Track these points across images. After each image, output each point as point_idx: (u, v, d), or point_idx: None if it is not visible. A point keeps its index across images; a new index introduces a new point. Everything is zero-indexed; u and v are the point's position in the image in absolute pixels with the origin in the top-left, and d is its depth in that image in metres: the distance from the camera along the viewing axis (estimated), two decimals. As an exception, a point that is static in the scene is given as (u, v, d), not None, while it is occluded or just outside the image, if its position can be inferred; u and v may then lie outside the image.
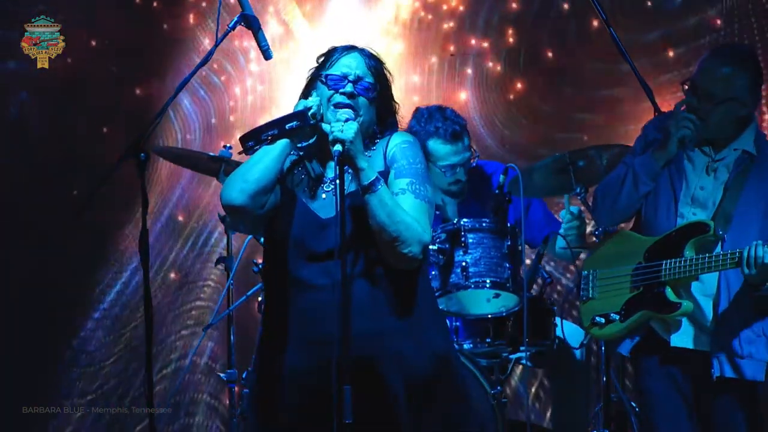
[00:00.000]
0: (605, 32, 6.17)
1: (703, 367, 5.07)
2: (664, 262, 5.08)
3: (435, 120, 6.14)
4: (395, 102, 4.55)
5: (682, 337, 5.10)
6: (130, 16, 7.79)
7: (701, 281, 5.09)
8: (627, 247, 5.23)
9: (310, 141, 4.48)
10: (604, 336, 5.28)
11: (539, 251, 6.14)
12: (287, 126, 4.36)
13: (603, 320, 5.21)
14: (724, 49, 5.25)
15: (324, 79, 4.45)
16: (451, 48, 7.86)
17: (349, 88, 4.41)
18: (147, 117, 7.38)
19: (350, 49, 4.50)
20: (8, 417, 7.51)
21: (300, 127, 4.36)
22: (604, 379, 5.96)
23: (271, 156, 4.36)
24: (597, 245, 5.45)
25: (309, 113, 4.37)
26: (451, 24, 7.84)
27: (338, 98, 4.40)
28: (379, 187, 4.26)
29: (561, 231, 6.00)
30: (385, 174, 4.36)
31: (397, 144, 4.41)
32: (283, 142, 4.37)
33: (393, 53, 7.81)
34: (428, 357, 4.36)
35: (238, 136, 4.45)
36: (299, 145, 4.47)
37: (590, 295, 5.30)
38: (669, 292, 5.08)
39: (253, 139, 4.40)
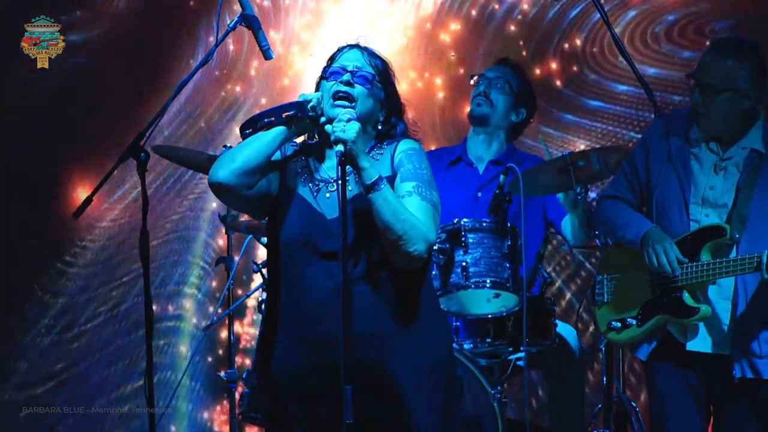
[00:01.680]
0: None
1: (719, 371, 5.03)
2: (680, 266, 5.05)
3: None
4: (402, 102, 4.55)
5: (699, 341, 5.05)
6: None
7: (718, 284, 5.04)
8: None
9: (315, 141, 4.50)
10: (621, 340, 5.22)
11: (539, 251, 6.14)
12: (284, 114, 4.39)
13: (619, 324, 5.17)
14: (724, 42, 5.19)
15: (325, 75, 4.47)
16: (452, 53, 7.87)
17: (346, 77, 4.43)
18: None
19: (352, 46, 4.54)
20: (8, 417, 7.53)
21: (297, 116, 4.39)
22: (605, 379, 5.96)
23: (262, 140, 4.39)
24: (605, 248, 5.40)
25: (308, 105, 4.39)
26: (458, 27, 7.86)
27: (336, 87, 4.42)
28: (382, 186, 4.26)
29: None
30: (391, 179, 4.37)
31: (404, 150, 4.43)
32: (277, 129, 4.40)
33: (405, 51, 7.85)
34: (429, 359, 4.36)
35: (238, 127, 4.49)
36: (309, 142, 4.49)
37: (605, 300, 5.25)
38: (687, 297, 5.03)
39: (251, 127, 4.43)
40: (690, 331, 5.05)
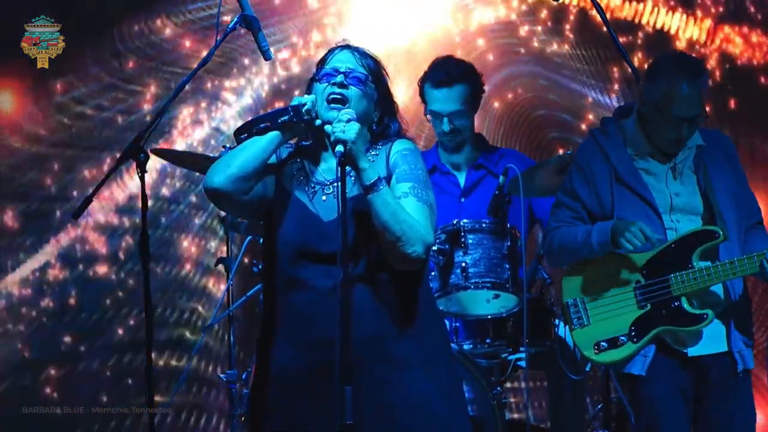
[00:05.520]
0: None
1: (715, 368, 5.01)
2: (672, 276, 4.98)
3: (435, 65, 6.29)
4: (394, 102, 4.54)
5: (701, 345, 5.01)
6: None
7: None
8: (614, 268, 5.06)
9: (308, 142, 4.49)
10: (614, 360, 5.04)
11: (538, 251, 6.14)
12: (279, 120, 4.38)
13: (607, 345, 5.03)
14: (680, 66, 5.03)
15: (318, 77, 4.46)
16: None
17: (339, 78, 4.41)
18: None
19: (343, 47, 4.52)
20: (8, 417, 7.53)
21: (292, 121, 4.38)
22: (604, 380, 5.95)
23: (258, 145, 4.38)
24: (572, 271, 5.19)
25: (303, 109, 4.37)
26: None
27: (330, 89, 4.40)
28: (382, 187, 4.26)
29: None
30: (387, 180, 4.35)
31: (399, 151, 4.42)
32: (272, 134, 4.38)
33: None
34: (428, 360, 4.35)
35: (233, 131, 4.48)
36: (303, 144, 4.49)
37: (585, 322, 5.08)
38: (687, 305, 4.96)
39: (246, 132, 4.42)
40: (692, 337, 5.01)
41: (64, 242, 7.76)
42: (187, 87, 4.84)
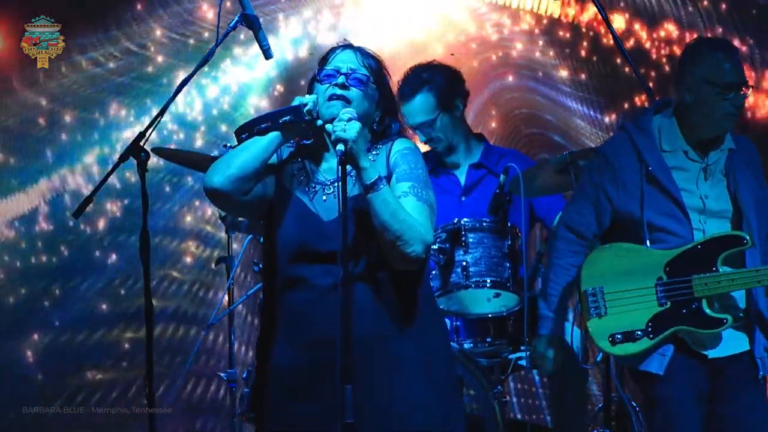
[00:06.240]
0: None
1: (733, 368, 4.99)
2: (694, 277, 4.94)
3: (402, 79, 6.25)
4: (395, 102, 4.54)
5: (721, 347, 4.98)
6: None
7: None
8: (636, 262, 5.02)
9: (309, 141, 4.49)
10: (627, 353, 4.99)
11: (539, 251, 6.14)
12: (280, 120, 4.38)
13: (622, 337, 4.98)
14: (716, 42, 5.14)
15: (319, 78, 4.46)
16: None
17: (341, 79, 4.40)
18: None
19: (345, 47, 4.52)
20: (8, 417, 7.53)
21: (293, 122, 4.37)
22: (604, 379, 5.95)
23: (258, 145, 4.37)
24: (593, 260, 5.14)
25: (304, 109, 4.37)
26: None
27: (331, 90, 4.40)
28: (382, 186, 4.25)
29: None
30: (387, 179, 4.34)
31: (399, 150, 4.41)
32: (273, 134, 4.37)
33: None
34: (428, 361, 4.35)
35: (234, 130, 4.47)
36: (304, 142, 4.49)
37: (602, 313, 5.02)
38: (707, 308, 4.93)
39: (247, 132, 4.41)
40: (711, 340, 4.97)
41: (53, 192, 7.73)
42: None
